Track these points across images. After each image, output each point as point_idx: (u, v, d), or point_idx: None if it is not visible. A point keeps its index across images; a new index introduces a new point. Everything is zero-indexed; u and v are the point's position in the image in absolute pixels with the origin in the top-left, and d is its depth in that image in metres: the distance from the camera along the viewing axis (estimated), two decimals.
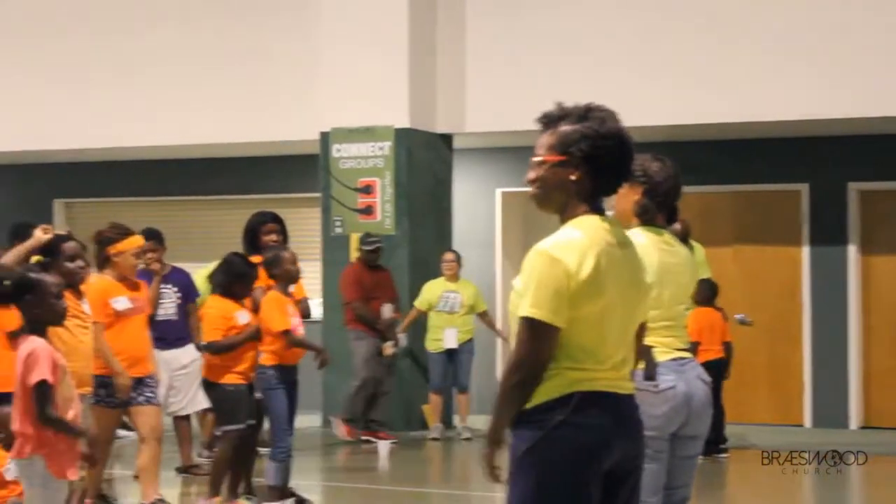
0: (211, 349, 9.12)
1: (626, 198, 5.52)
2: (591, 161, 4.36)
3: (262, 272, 9.28)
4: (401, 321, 13.78)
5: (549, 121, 4.45)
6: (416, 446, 13.48)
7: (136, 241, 8.83)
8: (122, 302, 8.67)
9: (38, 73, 16.26)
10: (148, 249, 10.12)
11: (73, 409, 6.33)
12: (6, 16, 16.58)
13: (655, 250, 5.44)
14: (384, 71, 14.47)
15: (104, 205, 17.71)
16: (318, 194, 15.07)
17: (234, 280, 9.14)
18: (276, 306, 9.13)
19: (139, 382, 8.74)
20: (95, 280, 8.61)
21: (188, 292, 11.23)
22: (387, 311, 13.47)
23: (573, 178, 4.38)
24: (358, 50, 14.57)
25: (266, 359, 9.17)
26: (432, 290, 13.98)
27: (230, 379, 9.02)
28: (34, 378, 6.14)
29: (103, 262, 8.75)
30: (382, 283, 13.65)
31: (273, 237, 9.91)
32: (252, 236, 9.98)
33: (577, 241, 4.30)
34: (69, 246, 8.24)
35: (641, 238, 5.31)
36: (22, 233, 9.53)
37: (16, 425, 6.26)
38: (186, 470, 10.98)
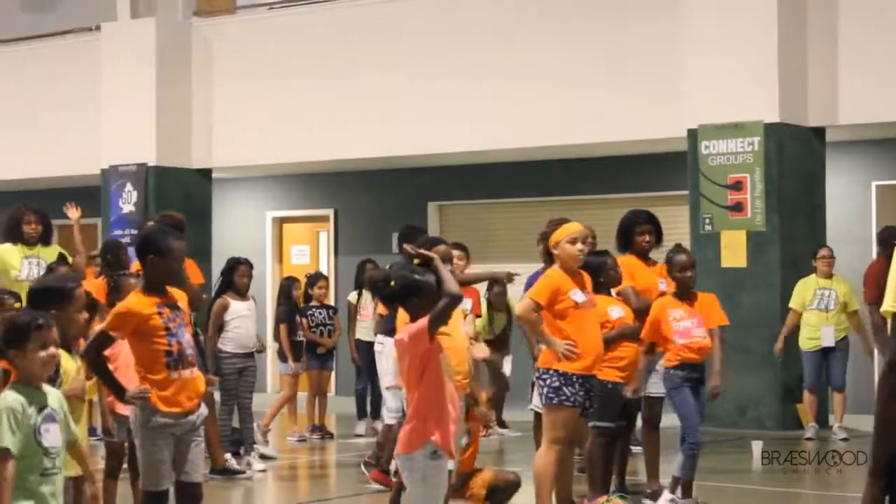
0: None
1: None
2: None
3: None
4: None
5: None
6: (791, 446, 13.21)
7: (572, 227, 8.66)
8: (578, 294, 8.49)
9: (415, 83, 16.77)
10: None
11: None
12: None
13: None
14: (753, 65, 14.25)
15: (476, 207, 18.10)
16: (685, 192, 14.98)
17: (598, 276, 9.09)
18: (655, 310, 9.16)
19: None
20: (551, 272, 8.50)
21: None
22: None
23: None
24: (725, 44, 14.40)
25: (668, 360, 9.15)
26: (806, 288, 13.70)
27: (608, 375, 9.01)
28: None
29: (549, 259, 8.69)
30: None
31: (647, 237, 9.85)
32: (626, 235, 9.95)
33: None
34: (442, 248, 8.42)
35: None
36: (410, 237, 9.74)
37: None
38: None
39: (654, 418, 9.74)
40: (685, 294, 9.24)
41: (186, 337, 6.95)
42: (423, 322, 6.42)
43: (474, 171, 17.92)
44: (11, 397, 5.31)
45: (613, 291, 9.50)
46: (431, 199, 18.46)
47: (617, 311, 9.17)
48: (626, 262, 9.74)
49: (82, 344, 6.98)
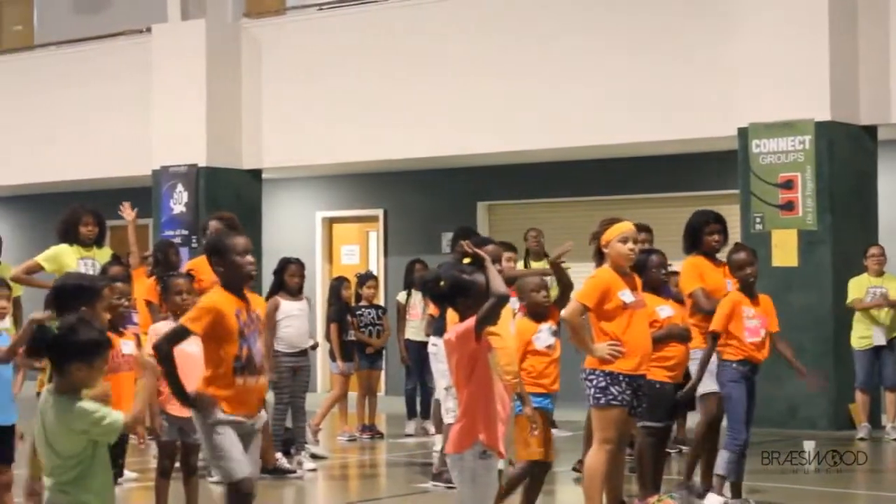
0: None
1: None
2: None
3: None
4: None
5: None
6: (844, 446, 13.12)
7: (623, 226, 8.67)
8: (627, 295, 8.50)
9: (465, 82, 16.79)
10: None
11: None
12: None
13: None
14: (803, 63, 14.18)
15: (525, 206, 18.09)
16: (736, 191, 14.91)
17: (642, 273, 9.06)
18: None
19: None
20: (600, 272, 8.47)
21: None
22: None
23: None
24: (776, 42, 14.33)
25: (730, 354, 9.13)
26: (858, 287, 13.61)
27: (656, 375, 8.97)
28: None
29: (599, 259, 8.61)
30: None
31: (715, 237, 9.78)
32: (695, 236, 9.88)
33: None
34: (491, 248, 8.42)
35: None
36: (464, 238, 9.73)
37: None
38: None
39: (710, 416, 9.66)
40: (747, 292, 9.22)
41: (258, 345, 6.93)
42: (471, 322, 6.43)
43: (524, 170, 17.91)
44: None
45: (685, 293, 9.53)
46: (481, 199, 18.46)
47: (666, 311, 9.14)
48: (696, 263, 9.72)
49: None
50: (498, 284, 6.45)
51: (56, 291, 7.01)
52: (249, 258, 6.95)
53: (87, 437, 5.47)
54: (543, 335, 8.41)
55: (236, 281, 6.93)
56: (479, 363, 6.46)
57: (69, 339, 5.51)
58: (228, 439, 6.82)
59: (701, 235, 9.82)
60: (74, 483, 5.49)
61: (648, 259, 9.17)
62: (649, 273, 9.12)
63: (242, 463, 6.84)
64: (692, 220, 9.98)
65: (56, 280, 7.66)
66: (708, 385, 9.47)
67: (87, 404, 5.46)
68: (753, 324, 9.16)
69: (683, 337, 9.16)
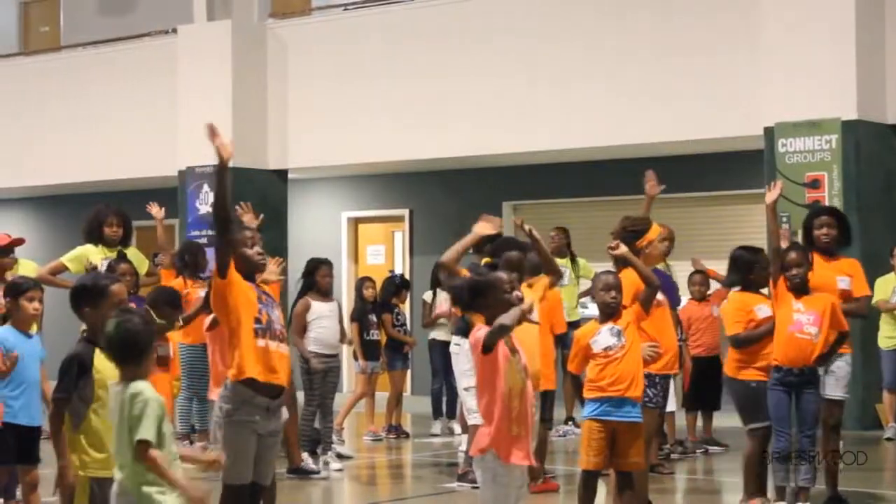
0: (734, 342, 8.97)
1: None
2: None
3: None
4: None
5: None
6: (871, 446, 13.08)
7: (658, 227, 8.73)
8: (658, 294, 8.51)
9: (489, 82, 16.77)
10: None
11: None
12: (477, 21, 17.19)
13: None
14: (830, 62, 14.13)
15: (551, 206, 18.06)
16: (761, 190, 14.85)
17: (748, 273, 9.04)
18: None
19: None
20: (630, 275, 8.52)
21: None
22: None
23: None
24: (802, 41, 14.27)
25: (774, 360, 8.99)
26: (884, 286, 13.55)
27: (750, 375, 8.89)
28: None
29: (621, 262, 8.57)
30: None
31: (824, 231, 9.54)
32: (805, 231, 9.77)
33: None
34: (512, 256, 8.44)
35: None
36: (488, 238, 9.70)
37: None
38: None
39: (833, 421, 9.41)
40: (799, 291, 9.00)
41: (276, 313, 7.11)
42: (482, 334, 6.45)
43: (549, 170, 17.88)
44: (152, 391, 5.76)
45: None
46: (506, 199, 18.44)
47: (765, 310, 9.01)
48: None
49: None
50: (505, 317, 6.48)
51: (70, 294, 7.05)
52: (258, 248, 7.16)
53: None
54: (602, 337, 8.19)
55: (245, 270, 7.10)
56: (499, 366, 6.46)
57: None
58: (243, 440, 6.90)
59: (810, 230, 9.64)
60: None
61: (757, 258, 9.09)
62: (758, 271, 9.04)
63: (247, 469, 6.93)
64: (806, 216, 9.88)
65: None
66: (830, 390, 9.36)
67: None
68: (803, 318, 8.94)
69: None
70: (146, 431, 5.66)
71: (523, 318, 6.59)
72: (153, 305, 8.78)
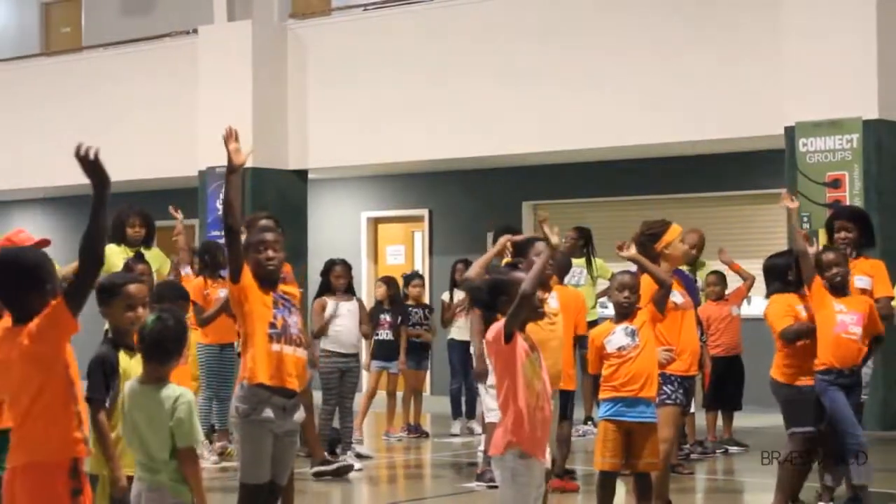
0: (787, 336, 8.80)
1: None
2: None
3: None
4: None
5: None
6: (892, 446, 13.04)
7: (678, 228, 8.73)
8: (678, 296, 8.56)
9: (509, 83, 16.76)
10: None
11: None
12: (472, 23, 17.18)
13: None
14: (851, 61, 14.08)
15: (570, 206, 18.05)
16: (782, 190, 14.80)
17: (786, 277, 8.97)
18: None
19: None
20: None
21: None
22: None
23: None
24: (823, 41, 14.23)
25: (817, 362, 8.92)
26: None
27: (805, 381, 8.79)
28: None
29: (655, 260, 8.58)
30: None
31: (843, 234, 9.56)
32: (827, 232, 9.76)
33: None
34: (538, 248, 8.42)
35: None
36: (504, 234, 9.74)
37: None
38: None
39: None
40: (838, 292, 8.98)
41: (294, 318, 7.10)
42: (500, 324, 6.42)
43: (569, 170, 17.87)
44: (191, 394, 5.94)
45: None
46: (526, 199, 18.43)
47: (805, 311, 8.94)
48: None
49: None
50: (525, 281, 6.39)
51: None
52: (268, 254, 7.13)
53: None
54: (616, 337, 8.18)
55: (260, 274, 7.12)
56: (518, 363, 6.43)
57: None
58: (259, 440, 6.93)
59: (831, 232, 9.65)
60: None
61: (789, 260, 9.03)
62: (795, 272, 8.98)
63: (264, 469, 6.96)
64: (829, 219, 9.87)
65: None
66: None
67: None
68: (847, 319, 8.91)
69: (810, 335, 8.88)
70: (198, 436, 5.78)
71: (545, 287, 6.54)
72: (158, 300, 8.76)
